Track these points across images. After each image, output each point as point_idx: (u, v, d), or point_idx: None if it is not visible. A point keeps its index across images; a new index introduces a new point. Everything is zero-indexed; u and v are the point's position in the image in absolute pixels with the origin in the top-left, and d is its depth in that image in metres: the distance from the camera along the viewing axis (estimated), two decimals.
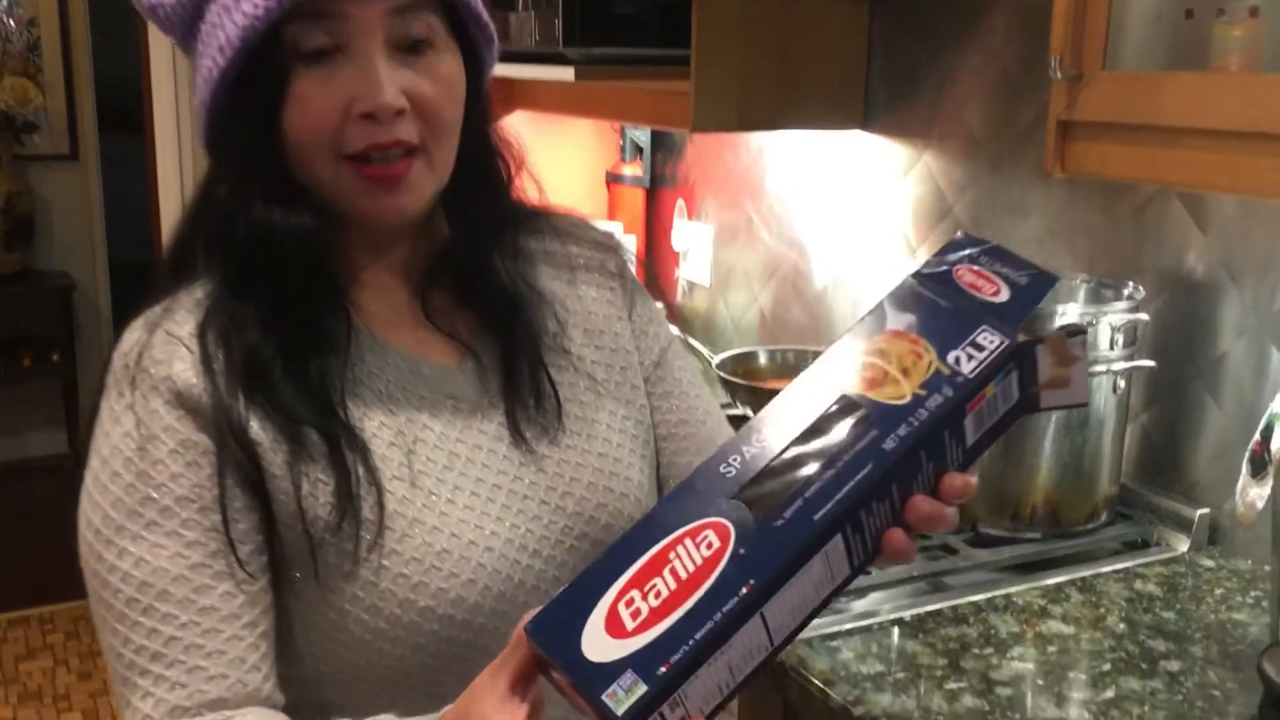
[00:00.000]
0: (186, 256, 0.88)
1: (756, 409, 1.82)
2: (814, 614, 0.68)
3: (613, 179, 2.72)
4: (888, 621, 1.31)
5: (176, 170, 3.38)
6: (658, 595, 0.63)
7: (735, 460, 0.69)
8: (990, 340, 0.70)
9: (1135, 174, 1.25)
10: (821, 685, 1.19)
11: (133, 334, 0.85)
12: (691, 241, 2.57)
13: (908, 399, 0.68)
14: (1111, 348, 1.44)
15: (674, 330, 2.19)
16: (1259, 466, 1.18)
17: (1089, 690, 1.18)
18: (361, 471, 0.83)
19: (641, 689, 0.61)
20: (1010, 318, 0.71)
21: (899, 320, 0.72)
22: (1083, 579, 1.43)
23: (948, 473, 0.70)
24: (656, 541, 0.66)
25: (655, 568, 0.65)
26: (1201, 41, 1.15)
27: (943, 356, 0.70)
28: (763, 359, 2.01)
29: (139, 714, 0.79)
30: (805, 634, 0.93)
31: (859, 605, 1.34)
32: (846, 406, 0.69)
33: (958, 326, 0.71)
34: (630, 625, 0.63)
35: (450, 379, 0.91)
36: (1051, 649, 1.26)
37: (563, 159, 2.70)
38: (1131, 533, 1.53)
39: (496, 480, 0.88)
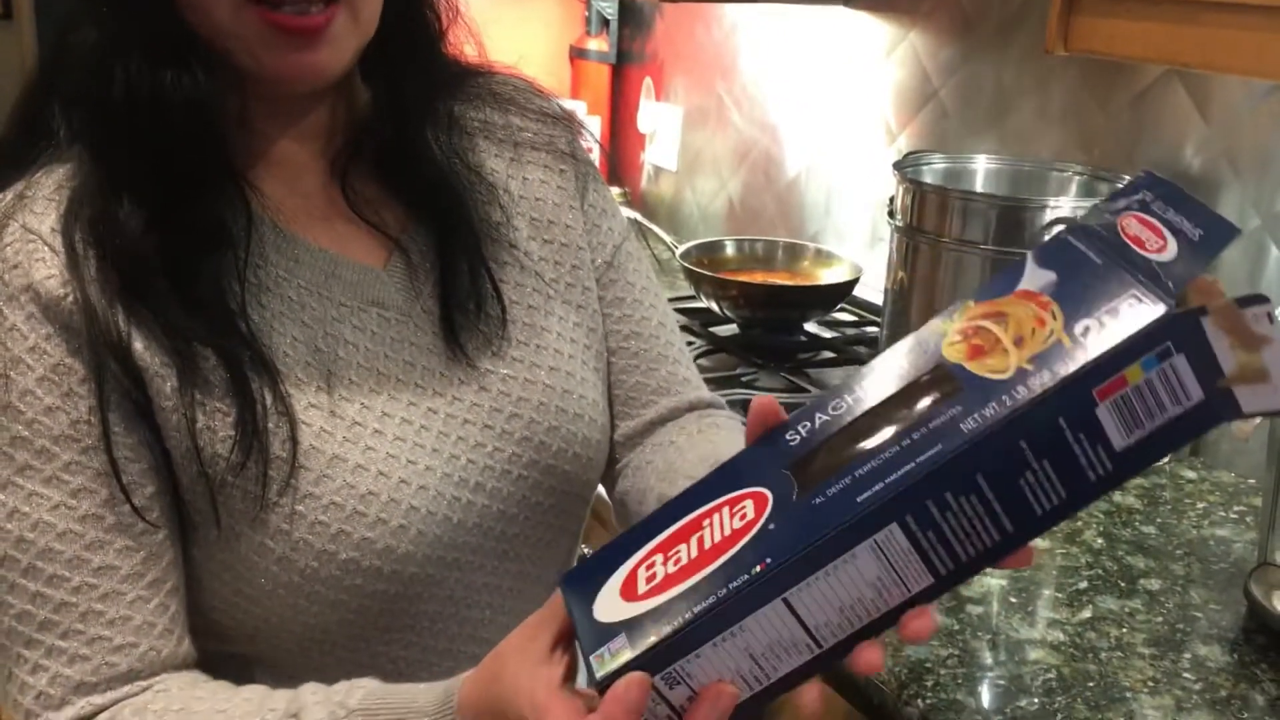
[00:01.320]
0: (40, 125, 0.72)
1: (721, 301, 1.72)
2: (881, 623, 0.55)
3: (577, 54, 2.57)
4: None
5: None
6: (677, 562, 0.56)
7: (804, 427, 0.58)
8: (1135, 307, 0.52)
9: (1148, 53, 1.13)
10: None
11: None
12: (658, 123, 2.43)
13: (1010, 373, 0.53)
14: None
15: (635, 216, 2.08)
16: None
17: (1065, 609, 1.11)
18: (269, 399, 0.70)
19: (626, 655, 0.53)
20: (1169, 280, 0.52)
21: (1035, 278, 0.56)
22: None
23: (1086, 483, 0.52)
24: (696, 507, 0.58)
25: (686, 533, 0.57)
26: None
27: (1069, 325, 0.53)
28: (729, 249, 1.90)
29: (31, 691, 0.67)
30: None
31: None
32: (939, 377, 0.55)
33: (1102, 288, 0.53)
34: (642, 589, 0.56)
35: (375, 282, 0.76)
36: (1027, 570, 1.19)
37: (523, 31, 2.54)
38: None
39: (431, 404, 0.75)
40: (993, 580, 1.15)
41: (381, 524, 0.71)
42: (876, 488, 0.52)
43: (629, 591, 0.56)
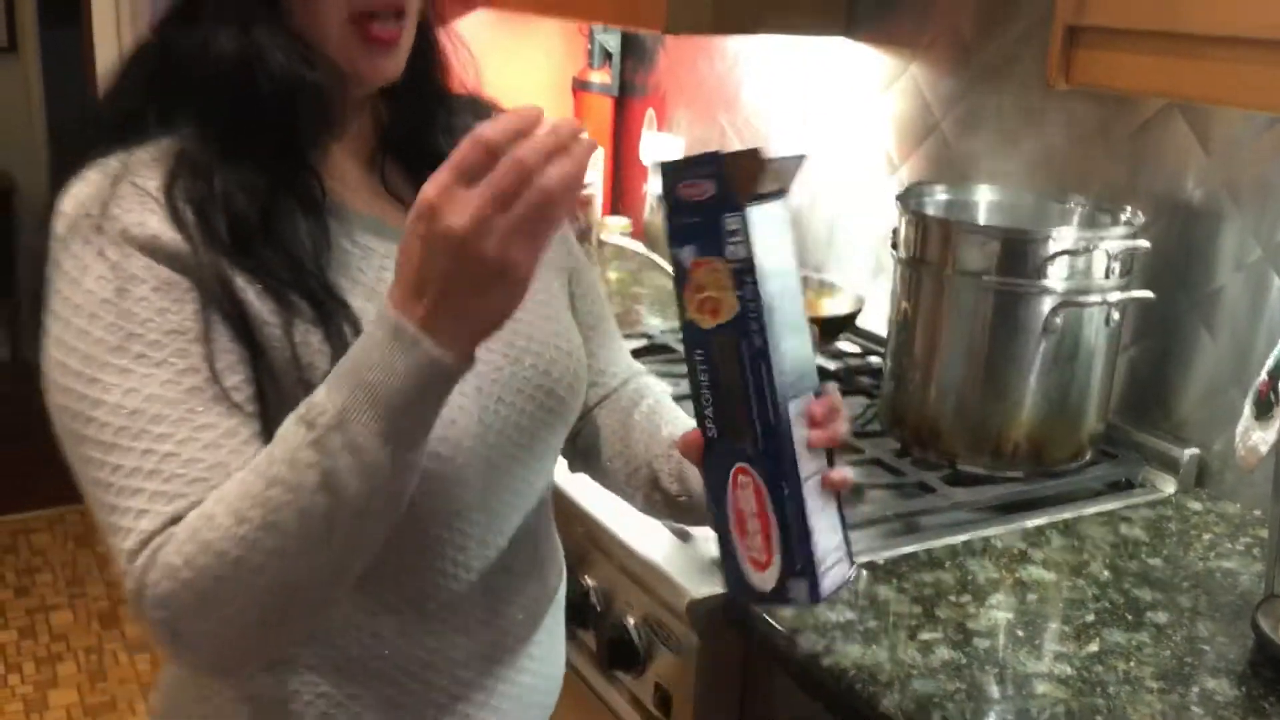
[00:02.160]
0: (133, 113, 0.86)
1: None
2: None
3: (580, 86, 2.58)
4: (859, 565, 1.22)
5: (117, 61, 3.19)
6: None
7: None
8: (734, 221, 0.77)
9: (1150, 86, 1.14)
10: (787, 634, 1.10)
11: (88, 185, 0.83)
12: (661, 154, 2.44)
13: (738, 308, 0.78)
14: (1107, 276, 1.34)
15: (638, 247, 2.08)
16: (1265, 408, 1.09)
17: (1072, 643, 1.11)
18: (347, 328, 0.84)
19: None
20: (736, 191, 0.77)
21: (688, 254, 0.79)
22: (1065, 521, 1.35)
23: None
24: None
25: None
26: None
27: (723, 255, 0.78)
28: None
29: (132, 535, 0.76)
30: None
31: None
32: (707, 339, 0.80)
33: (710, 229, 0.78)
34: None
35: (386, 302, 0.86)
36: (1032, 597, 1.18)
37: (526, 63, 2.55)
38: (1116, 473, 1.45)
39: None
40: (999, 614, 1.15)
41: (439, 419, 0.80)
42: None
43: None
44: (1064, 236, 1.33)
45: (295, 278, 0.84)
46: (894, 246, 1.46)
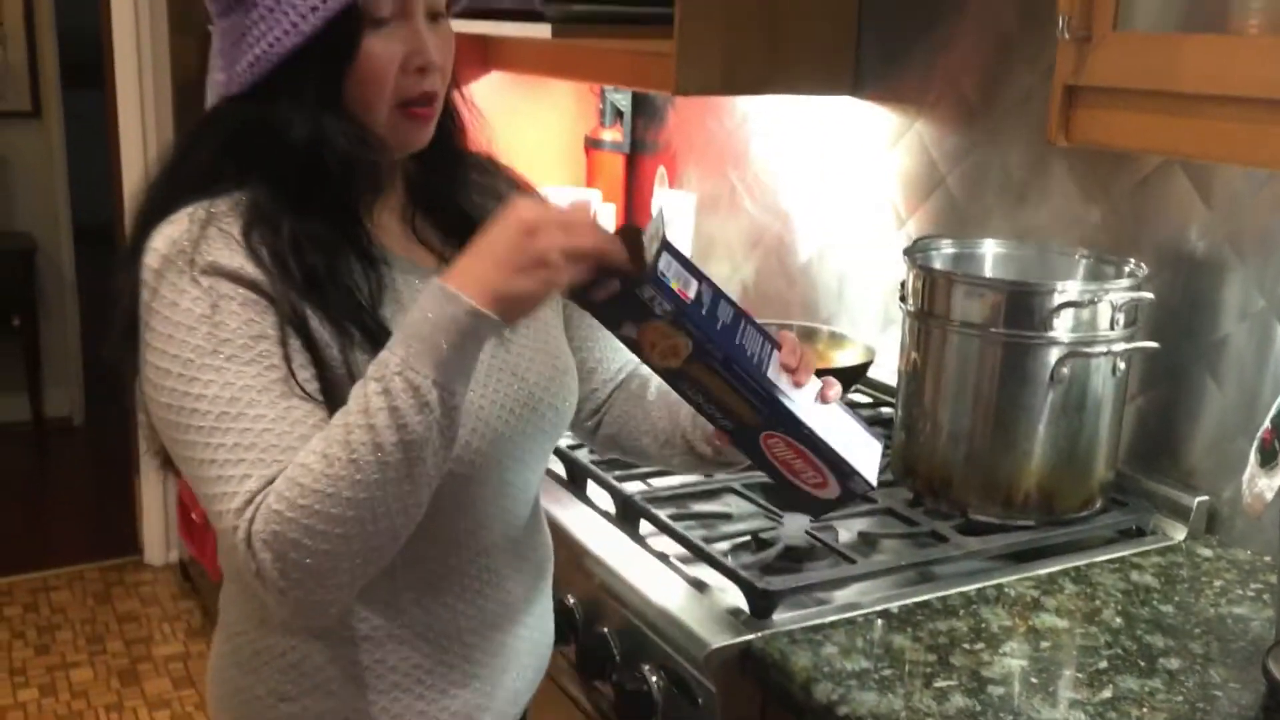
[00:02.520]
0: (209, 171, 1.02)
1: None
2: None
3: (592, 144, 2.63)
4: (873, 613, 1.24)
5: (139, 125, 3.26)
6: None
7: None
8: (647, 291, 0.94)
9: (1147, 144, 1.18)
10: (803, 683, 1.12)
11: (178, 227, 0.98)
12: (672, 210, 2.49)
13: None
14: (1112, 327, 1.37)
15: None
16: (1269, 456, 1.12)
17: (1085, 690, 1.12)
18: None
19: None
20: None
21: (630, 330, 0.96)
22: (1077, 569, 1.36)
23: None
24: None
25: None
26: (1221, 1, 1.08)
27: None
28: None
29: (237, 497, 0.91)
30: (787, 626, 1.21)
31: (842, 596, 1.28)
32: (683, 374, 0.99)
33: (634, 305, 0.94)
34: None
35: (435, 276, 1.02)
36: (1045, 644, 1.20)
37: (540, 122, 2.61)
38: (1127, 520, 1.47)
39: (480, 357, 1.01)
40: (1013, 661, 1.16)
41: (464, 428, 1.00)
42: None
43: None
44: (1069, 289, 1.36)
45: (353, 313, 1.01)
46: (902, 299, 1.49)
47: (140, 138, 3.26)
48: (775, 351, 1.02)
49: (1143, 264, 1.44)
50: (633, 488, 1.50)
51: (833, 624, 1.21)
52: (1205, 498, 1.46)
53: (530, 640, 1.17)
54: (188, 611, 3.26)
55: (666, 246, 0.95)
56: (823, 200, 2.08)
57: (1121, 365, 1.39)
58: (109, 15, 3.18)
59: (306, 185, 1.01)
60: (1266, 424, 1.14)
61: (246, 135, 1.02)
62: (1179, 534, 1.45)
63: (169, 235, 0.98)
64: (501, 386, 1.09)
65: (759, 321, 1.03)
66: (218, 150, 1.03)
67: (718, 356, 0.95)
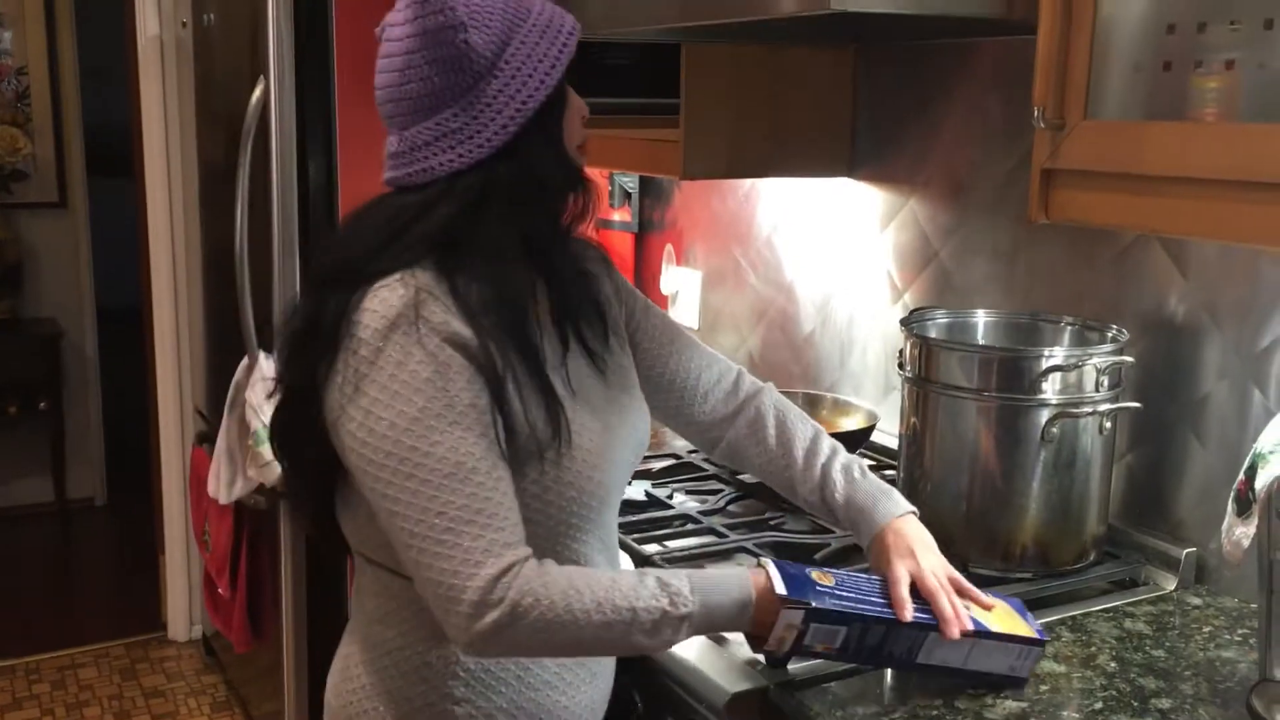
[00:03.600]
0: (395, 252, 1.15)
1: None
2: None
3: (602, 225, 2.75)
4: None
5: (167, 213, 3.39)
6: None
7: None
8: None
9: (1118, 221, 1.28)
10: None
11: (394, 292, 1.12)
12: (680, 285, 2.60)
13: None
14: (1097, 389, 1.46)
15: None
16: (1244, 505, 1.20)
17: None
18: (562, 419, 1.17)
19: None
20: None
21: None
22: (1073, 618, 1.44)
23: None
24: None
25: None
26: (1180, 92, 1.19)
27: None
28: None
29: (487, 566, 1.07)
30: (801, 675, 1.31)
31: None
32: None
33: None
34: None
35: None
36: (1044, 688, 1.28)
37: None
38: (1120, 572, 1.55)
39: (605, 414, 1.25)
40: (1015, 704, 1.24)
41: (600, 466, 1.22)
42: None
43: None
44: (1055, 354, 1.46)
45: (540, 375, 1.16)
46: (901, 367, 1.59)
47: (168, 225, 3.39)
48: (932, 633, 1.22)
49: (1124, 330, 1.54)
50: (650, 549, 1.59)
51: (844, 670, 1.29)
52: (1193, 549, 1.54)
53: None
54: (212, 686, 3.32)
55: (811, 616, 1.18)
56: (823, 274, 2.19)
57: (1108, 425, 1.48)
58: (139, 108, 3.33)
59: (532, 231, 1.17)
60: (1241, 475, 1.23)
61: (495, 196, 1.15)
62: (1169, 584, 1.54)
63: (388, 301, 1.11)
64: (624, 428, 1.27)
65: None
66: (453, 219, 1.15)
67: (871, 662, 1.25)
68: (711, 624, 1.18)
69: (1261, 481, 1.17)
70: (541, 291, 1.22)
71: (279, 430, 1.25)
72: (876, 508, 1.32)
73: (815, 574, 1.22)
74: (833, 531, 1.67)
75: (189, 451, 3.31)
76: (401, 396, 1.09)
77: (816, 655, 1.22)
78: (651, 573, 1.16)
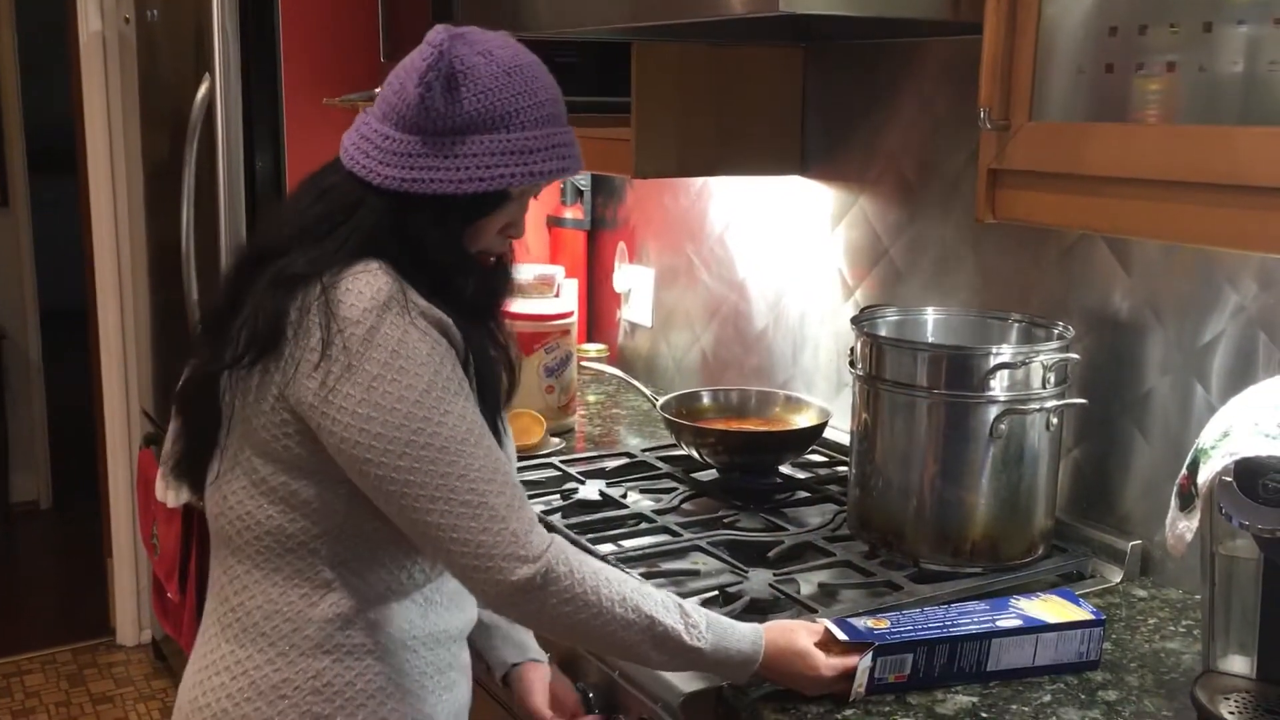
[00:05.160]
0: (368, 240, 1.17)
1: (701, 449, 1.85)
2: None
3: (554, 222, 2.75)
4: None
5: (111, 210, 3.33)
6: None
7: None
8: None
9: (1061, 221, 1.30)
10: None
11: (377, 277, 1.15)
12: (632, 283, 2.60)
13: None
14: (1044, 386, 1.48)
15: (614, 371, 2.22)
16: (1187, 500, 1.22)
17: None
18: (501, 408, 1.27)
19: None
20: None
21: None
22: None
23: None
24: None
25: None
26: (1122, 94, 1.20)
27: None
28: (706, 399, 2.04)
29: (514, 522, 1.13)
30: None
31: None
32: None
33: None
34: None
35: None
36: (993, 683, 1.29)
37: None
38: (1067, 565, 1.57)
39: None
40: (964, 698, 1.26)
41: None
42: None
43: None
44: (1003, 351, 1.47)
45: (489, 364, 1.23)
46: (852, 364, 1.61)
47: (113, 224, 3.34)
48: (995, 639, 1.29)
49: (1070, 326, 1.57)
50: (605, 549, 1.59)
51: None
52: (1139, 542, 1.57)
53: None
54: (162, 690, 3.27)
55: (878, 651, 1.25)
56: (775, 272, 2.20)
57: (1054, 420, 1.50)
58: (81, 106, 3.27)
59: (439, 287, 1.20)
60: (1184, 470, 1.25)
61: (399, 232, 1.18)
62: (1116, 576, 1.56)
63: (373, 284, 1.14)
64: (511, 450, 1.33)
65: None
66: (379, 231, 1.18)
67: (948, 681, 1.30)
68: (714, 667, 1.24)
69: (1203, 477, 1.18)
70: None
71: (183, 393, 1.25)
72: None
73: (870, 621, 1.29)
74: (785, 530, 1.68)
75: (136, 453, 3.26)
76: (407, 371, 1.12)
77: (896, 688, 1.27)
78: (676, 598, 1.23)
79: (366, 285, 1.14)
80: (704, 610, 1.23)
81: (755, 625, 1.26)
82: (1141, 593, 1.53)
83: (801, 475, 1.91)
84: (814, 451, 1.97)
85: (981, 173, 1.34)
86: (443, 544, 1.13)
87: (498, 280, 1.29)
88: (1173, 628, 1.43)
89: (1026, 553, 1.54)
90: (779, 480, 1.89)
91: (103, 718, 3.14)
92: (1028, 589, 1.52)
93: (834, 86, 2.02)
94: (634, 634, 1.18)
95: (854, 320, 1.63)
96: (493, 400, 1.23)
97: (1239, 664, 1.25)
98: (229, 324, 1.19)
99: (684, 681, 1.29)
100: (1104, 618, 1.33)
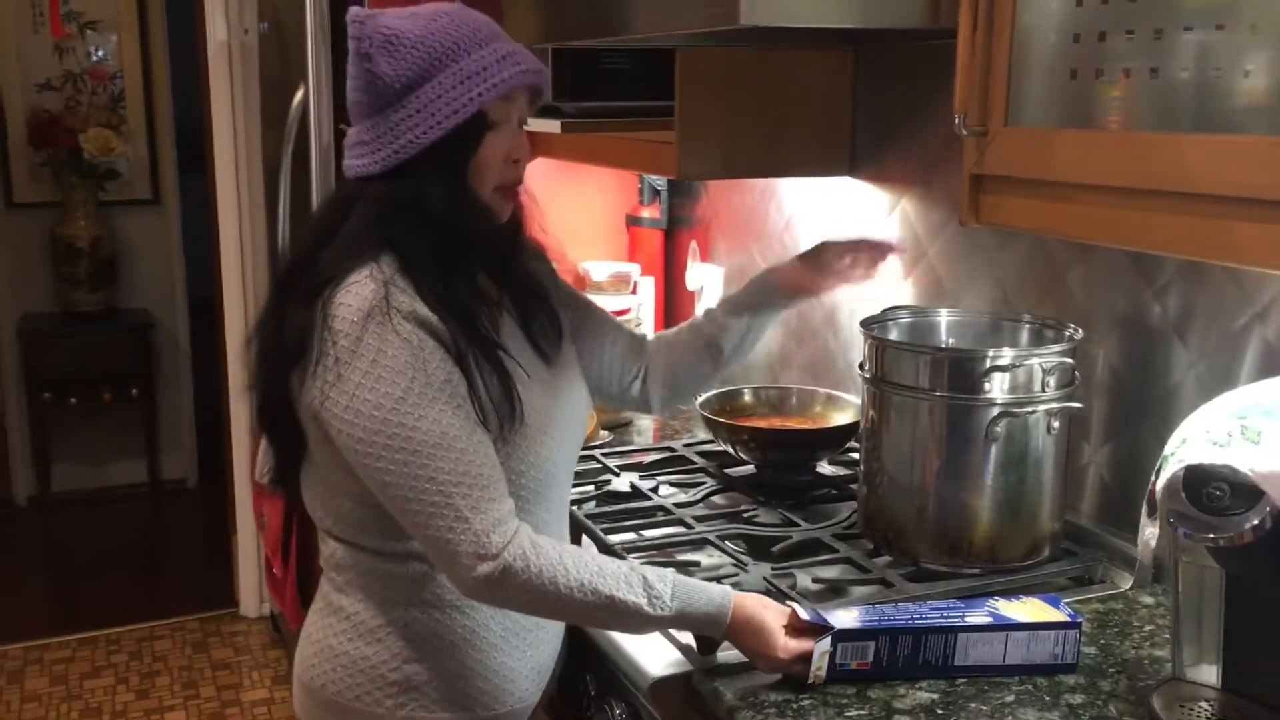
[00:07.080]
0: (361, 241, 1.27)
1: (735, 445, 1.89)
2: None
3: (632, 221, 2.82)
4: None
5: (235, 209, 3.57)
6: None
7: None
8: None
9: (1037, 225, 1.30)
10: (728, 709, 1.25)
11: (365, 287, 1.24)
12: (704, 281, 2.65)
13: None
14: (1043, 389, 1.48)
15: None
16: (1153, 507, 1.22)
17: None
18: (515, 395, 1.30)
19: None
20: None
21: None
22: None
23: None
24: None
25: None
26: (1088, 100, 1.20)
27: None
28: (747, 396, 2.08)
29: (476, 522, 1.22)
30: (729, 661, 1.35)
31: None
32: None
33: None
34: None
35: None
36: (960, 681, 1.31)
37: (585, 201, 2.81)
38: (1076, 569, 1.56)
39: (546, 393, 1.37)
40: (925, 694, 1.28)
41: (546, 443, 1.35)
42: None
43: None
44: (1000, 355, 1.48)
45: (492, 351, 1.28)
46: (861, 367, 1.63)
47: (236, 220, 3.58)
48: (963, 634, 1.31)
49: (1080, 330, 1.55)
50: (616, 540, 1.65)
51: None
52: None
53: None
54: (276, 660, 3.49)
55: (838, 636, 1.29)
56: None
57: (1056, 424, 1.50)
58: (209, 112, 3.51)
59: (445, 247, 1.28)
60: (1152, 477, 1.24)
61: (396, 208, 1.28)
62: (1125, 582, 1.54)
63: (360, 294, 1.23)
64: (576, 410, 1.43)
65: None
66: (371, 221, 1.28)
67: (913, 674, 1.31)
68: (684, 627, 1.33)
69: (1161, 483, 1.18)
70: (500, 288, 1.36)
71: (260, 414, 1.38)
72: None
73: (840, 613, 1.32)
74: (797, 525, 1.71)
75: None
76: (385, 380, 1.22)
77: (858, 676, 1.29)
78: (640, 569, 1.29)
79: (354, 296, 1.24)
80: (673, 576, 1.30)
81: (726, 588, 1.32)
82: (1148, 600, 1.51)
83: (834, 473, 1.94)
84: (854, 450, 1.98)
85: (965, 177, 1.36)
86: (418, 538, 1.26)
87: (513, 223, 1.38)
88: (1166, 636, 1.41)
89: (1028, 555, 1.54)
90: (812, 478, 1.92)
91: (219, 683, 3.38)
92: (1030, 592, 1.52)
93: (880, 89, 2.03)
94: (595, 612, 1.27)
95: (862, 323, 1.65)
96: (545, 341, 1.36)
97: (1208, 673, 1.23)
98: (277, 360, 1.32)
99: (655, 666, 1.35)
100: (1080, 620, 1.33)
